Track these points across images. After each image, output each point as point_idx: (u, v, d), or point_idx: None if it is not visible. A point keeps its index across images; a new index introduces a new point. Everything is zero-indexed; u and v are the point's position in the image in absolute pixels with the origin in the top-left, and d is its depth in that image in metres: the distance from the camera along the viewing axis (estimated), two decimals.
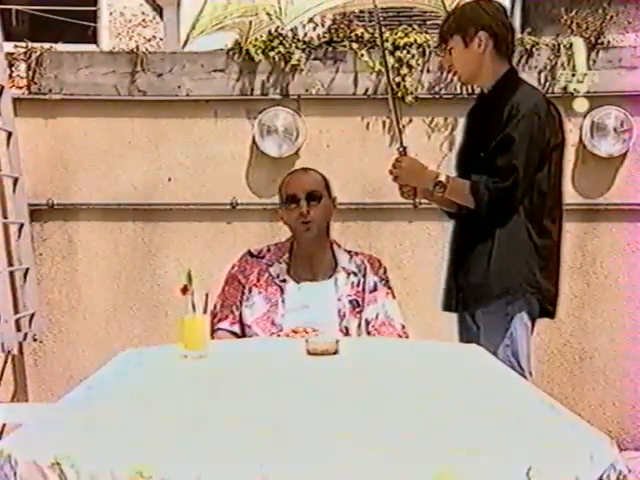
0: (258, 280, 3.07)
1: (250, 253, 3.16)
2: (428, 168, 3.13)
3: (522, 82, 3.08)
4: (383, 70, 4.38)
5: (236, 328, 3.05)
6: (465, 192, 2.93)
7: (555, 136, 2.97)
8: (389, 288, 3.12)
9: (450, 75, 4.43)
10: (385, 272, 3.14)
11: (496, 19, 3.02)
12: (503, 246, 2.91)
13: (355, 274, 3.08)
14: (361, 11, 4.46)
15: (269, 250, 3.16)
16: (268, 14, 2.96)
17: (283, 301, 3.02)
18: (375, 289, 3.08)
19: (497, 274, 2.91)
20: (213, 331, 3.05)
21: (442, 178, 2.99)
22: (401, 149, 3.14)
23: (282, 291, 3.03)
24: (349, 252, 3.16)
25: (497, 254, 2.91)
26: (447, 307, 3.11)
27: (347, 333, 2.99)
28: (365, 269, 3.09)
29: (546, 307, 3.01)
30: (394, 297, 3.12)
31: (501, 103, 2.94)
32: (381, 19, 3.38)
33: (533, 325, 3.00)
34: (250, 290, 3.06)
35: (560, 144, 3.01)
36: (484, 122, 3.04)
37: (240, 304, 3.07)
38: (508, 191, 2.87)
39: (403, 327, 3.08)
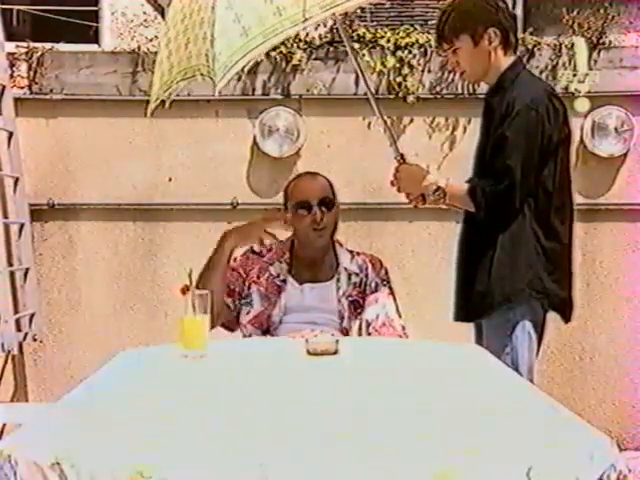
0: (258, 277, 3.06)
1: (252, 250, 3.16)
2: (429, 173, 2.93)
3: (524, 74, 2.92)
4: (384, 70, 4.39)
5: (230, 302, 3.06)
6: (464, 197, 2.82)
7: (559, 131, 2.81)
8: (390, 289, 3.10)
9: (451, 75, 4.43)
10: (386, 273, 3.12)
11: (503, 12, 2.88)
12: (506, 251, 2.80)
13: (357, 274, 3.07)
14: (362, 10, 4.46)
15: (271, 249, 3.13)
16: (202, 74, 2.93)
17: (282, 300, 3.02)
18: (376, 290, 3.06)
19: (499, 280, 2.80)
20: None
21: (442, 183, 2.85)
22: (398, 157, 2.96)
23: (280, 291, 3.03)
24: (351, 252, 3.14)
25: (499, 260, 2.80)
26: (457, 317, 2.98)
27: (347, 334, 2.99)
28: (367, 269, 3.08)
29: (556, 312, 2.89)
30: (395, 298, 3.10)
31: (500, 99, 2.83)
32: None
33: (541, 335, 2.87)
34: (249, 287, 3.06)
35: (566, 139, 2.86)
36: (487, 120, 2.93)
37: (240, 295, 3.07)
38: (505, 194, 2.75)
39: (403, 328, 3.07)
